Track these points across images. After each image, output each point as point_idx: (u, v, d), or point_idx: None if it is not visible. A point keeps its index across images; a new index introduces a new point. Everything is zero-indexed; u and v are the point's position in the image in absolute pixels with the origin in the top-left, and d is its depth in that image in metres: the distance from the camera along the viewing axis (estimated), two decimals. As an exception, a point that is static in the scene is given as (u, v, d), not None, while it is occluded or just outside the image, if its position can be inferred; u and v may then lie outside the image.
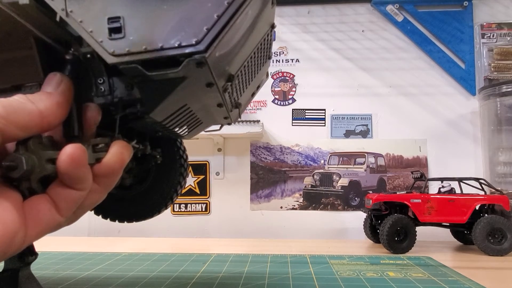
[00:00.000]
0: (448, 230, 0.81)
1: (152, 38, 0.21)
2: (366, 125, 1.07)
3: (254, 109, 1.09)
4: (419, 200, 0.75)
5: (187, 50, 0.21)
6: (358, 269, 0.57)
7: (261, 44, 0.31)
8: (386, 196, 0.78)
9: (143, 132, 0.33)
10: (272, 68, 1.10)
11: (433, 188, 0.98)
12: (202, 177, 1.07)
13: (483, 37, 1.04)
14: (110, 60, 0.21)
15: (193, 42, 0.21)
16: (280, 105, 1.09)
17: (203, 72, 0.22)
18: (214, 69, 0.22)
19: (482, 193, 0.77)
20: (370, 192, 1.02)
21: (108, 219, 0.42)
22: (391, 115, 1.07)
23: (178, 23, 0.21)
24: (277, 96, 1.10)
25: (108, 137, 0.25)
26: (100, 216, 0.42)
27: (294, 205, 1.06)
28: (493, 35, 1.04)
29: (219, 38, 0.21)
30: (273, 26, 0.32)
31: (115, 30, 0.21)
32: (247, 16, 0.23)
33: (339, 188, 1.05)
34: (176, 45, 0.21)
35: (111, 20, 0.21)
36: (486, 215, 0.72)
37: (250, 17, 0.24)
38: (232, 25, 0.22)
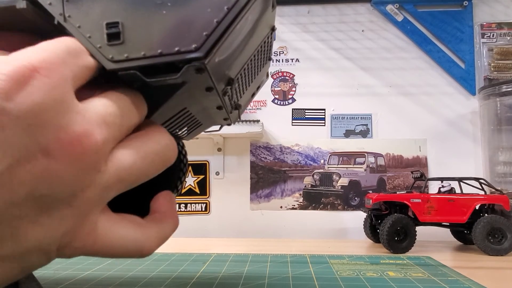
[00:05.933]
0: (448, 230, 0.81)
1: (151, 44, 0.21)
2: (366, 125, 1.07)
3: (254, 109, 1.09)
4: (419, 200, 0.75)
5: (187, 56, 0.20)
6: (358, 268, 0.57)
7: (261, 47, 0.31)
8: (386, 196, 0.78)
9: None
10: (272, 68, 1.10)
11: (433, 188, 0.98)
12: (202, 177, 1.08)
13: (483, 37, 1.04)
14: (109, 66, 0.20)
15: (193, 48, 0.20)
16: (280, 105, 1.09)
17: (203, 77, 0.22)
18: (213, 75, 0.22)
19: (482, 193, 0.77)
20: (370, 192, 1.02)
21: None
22: (391, 115, 1.07)
23: (177, 28, 0.21)
24: (277, 96, 1.10)
25: None
26: None
27: (294, 205, 1.06)
28: (493, 35, 1.04)
29: (219, 44, 0.21)
30: (273, 29, 0.32)
31: (114, 36, 0.21)
32: (247, 21, 0.23)
33: (339, 188, 1.05)
34: (175, 51, 0.20)
35: (110, 25, 0.21)
36: (486, 214, 0.72)
37: (250, 22, 0.24)
38: (232, 30, 0.21)
